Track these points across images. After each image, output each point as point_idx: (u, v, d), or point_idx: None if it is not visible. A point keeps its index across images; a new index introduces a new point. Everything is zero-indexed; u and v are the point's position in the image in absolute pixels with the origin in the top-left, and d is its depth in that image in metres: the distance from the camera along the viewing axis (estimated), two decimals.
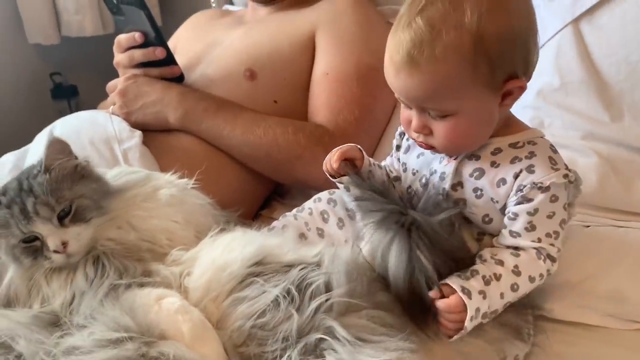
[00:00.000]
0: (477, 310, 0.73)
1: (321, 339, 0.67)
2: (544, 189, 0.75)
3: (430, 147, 0.81)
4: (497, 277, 0.75)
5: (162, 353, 0.67)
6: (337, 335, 0.66)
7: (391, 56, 0.75)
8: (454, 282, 0.74)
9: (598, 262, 0.91)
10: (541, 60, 1.01)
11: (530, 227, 0.76)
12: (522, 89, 0.76)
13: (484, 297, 0.73)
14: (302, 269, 0.74)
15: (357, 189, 0.85)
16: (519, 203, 0.76)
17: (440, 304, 0.73)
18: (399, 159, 0.95)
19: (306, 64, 1.27)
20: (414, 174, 0.89)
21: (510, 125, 0.82)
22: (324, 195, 1.01)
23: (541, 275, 0.77)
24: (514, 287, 0.75)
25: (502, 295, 0.75)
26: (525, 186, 0.76)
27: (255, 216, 1.26)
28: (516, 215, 0.77)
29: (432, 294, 0.74)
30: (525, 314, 0.82)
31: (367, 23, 1.29)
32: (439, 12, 0.71)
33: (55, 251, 0.81)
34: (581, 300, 0.87)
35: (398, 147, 0.94)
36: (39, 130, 1.24)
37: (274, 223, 1.01)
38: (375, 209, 0.79)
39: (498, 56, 0.71)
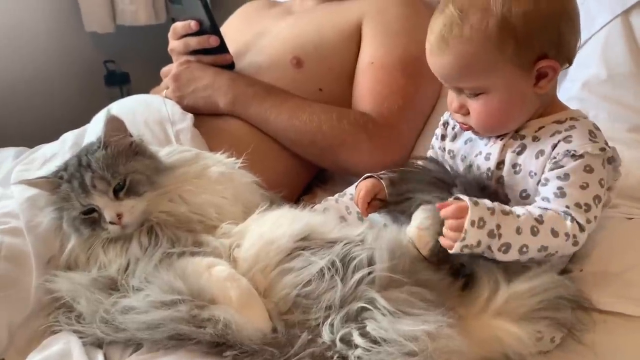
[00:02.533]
0: (482, 220, 0.73)
1: (363, 308, 0.70)
2: (576, 156, 0.77)
3: (469, 128, 0.87)
4: (518, 215, 0.76)
5: (213, 316, 0.71)
6: (378, 305, 0.69)
7: (428, 38, 0.84)
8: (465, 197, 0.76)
9: None
10: (587, 52, 1.02)
11: (560, 193, 0.77)
12: (555, 70, 0.79)
13: (493, 214, 0.74)
14: (346, 244, 0.78)
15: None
16: (551, 169, 0.79)
17: (443, 210, 0.76)
18: (443, 149, 0.97)
19: (352, 53, 1.29)
20: (462, 159, 0.92)
21: (555, 107, 0.85)
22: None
23: (567, 235, 0.76)
24: (533, 230, 0.75)
25: (518, 230, 0.75)
26: (559, 153, 0.78)
27: (296, 201, 1.30)
28: (547, 180, 0.79)
29: (438, 205, 0.77)
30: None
31: (414, 14, 1.31)
32: None
33: (111, 222, 0.86)
34: (621, 291, 0.86)
35: (443, 137, 0.97)
36: (92, 114, 1.31)
37: (316, 206, 1.05)
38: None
39: (525, 36, 0.76)
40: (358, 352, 0.66)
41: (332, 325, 0.70)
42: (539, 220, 0.76)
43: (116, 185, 0.87)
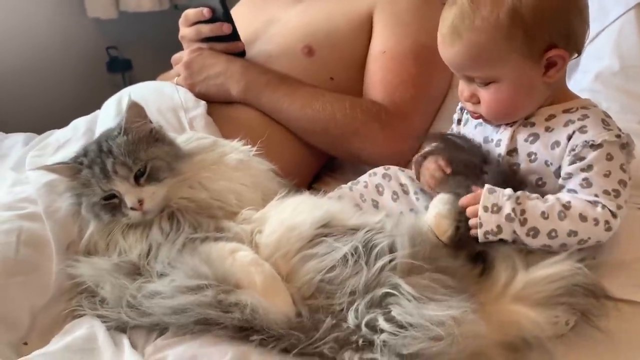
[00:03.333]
0: (495, 206, 0.78)
1: (387, 294, 0.71)
2: (596, 146, 0.79)
3: (480, 116, 0.89)
4: (545, 200, 0.79)
5: (240, 301, 0.72)
6: (402, 291, 0.71)
7: (440, 29, 0.86)
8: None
9: None
10: (601, 44, 1.03)
11: (586, 184, 0.79)
12: (564, 59, 0.81)
13: (516, 202, 0.78)
14: (367, 231, 0.79)
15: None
16: (572, 163, 0.80)
17: (462, 199, 0.81)
18: (459, 133, 0.98)
19: (363, 42, 1.30)
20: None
21: (565, 95, 0.87)
22: (379, 170, 1.05)
23: (596, 221, 0.77)
24: (560, 215, 0.77)
25: (544, 215, 0.77)
26: (577, 145, 0.80)
27: (307, 189, 1.30)
28: (570, 174, 0.81)
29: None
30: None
31: (424, 4, 1.31)
32: None
33: (132, 208, 0.87)
34: (634, 279, 0.88)
35: (459, 121, 0.99)
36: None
37: (330, 194, 1.06)
38: None
39: (534, 27, 0.79)
40: (384, 336, 0.68)
41: (356, 310, 0.71)
42: (567, 206, 0.78)
43: (137, 172, 0.88)
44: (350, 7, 1.32)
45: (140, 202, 0.87)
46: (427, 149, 0.97)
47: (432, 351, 0.66)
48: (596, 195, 0.79)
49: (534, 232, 0.78)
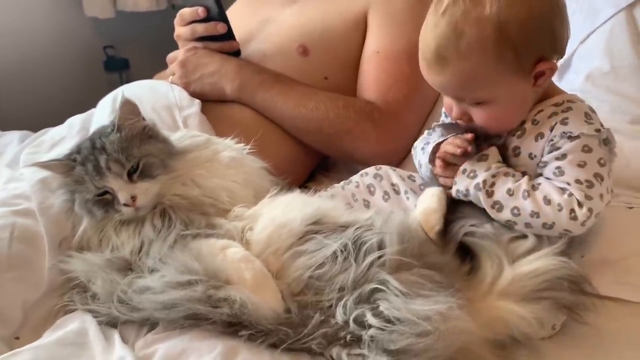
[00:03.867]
0: (473, 172, 0.82)
1: (375, 290, 0.72)
2: (573, 137, 0.79)
3: (474, 131, 0.87)
4: (515, 178, 0.81)
5: (229, 296, 0.73)
6: (390, 286, 0.71)
7: (423, 53, 0.83)
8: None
9: None
10: (591, 45, 1.04)
11: (559, 172, 0.80)
12: (552, 69, 0.81)
13: (491, 175, 0.81)
14: (357, 228, 0.80)
15: None
16: (549, 152, 0.81)
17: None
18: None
19: (357, 42, 1.30)
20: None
21: (552, 90, 0.88)
22: (370, 170, 1.06)
23: (560, 206, 0.78)
24: (524, 194, 0.79)
25: (509, 192, 0.80)
26: (555, 135, 0.81)
27: (300, 188, 1.31)
28: (546, 163, 0.82)
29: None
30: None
31: (418, 3, 1.31)
32: (460, 10, 0.77)
33: (125, 204, 0.88)
34: (621, 277, 0.89)
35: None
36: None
37: (322, 193, 1.06)
38: None
39: (522, 42, 0.77)
40: (371, 331, 0.68)
41: (345, 306, 0.72)
42: (534, 187, 0.80)
43: (130, 168, 0.89)
44: (345, 7, 1.33)
45: (133, 198, 0.88)
46: (434, 137, 0.94)
47: (419, 347, 0.66)
48: (567, 184, 0.79)
49: (499, 206, 0.81)
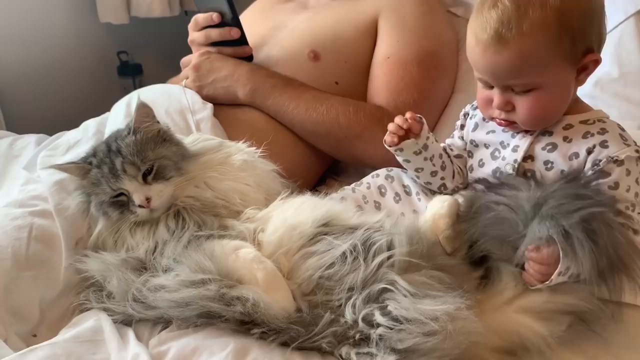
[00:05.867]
0: (568, 269, 0.74)
1: (384, 289, 0.73)
2: (619, 162, 0.80)
3: (511, 124, 0.87)
4: None
5: (242, 295, 0.74)
6: (399, 287, 0.73)
7: (477, 36, 0.82)
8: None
9: None
10: (602, 51, 1.04)
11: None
12: (597, 62, 0.82)
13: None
14: (366, 230, 0.81)
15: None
16: (602, 179, 0.81)
17: (534, 254, 0.75)
18: (462, 138, 1.00)
19: (368, 47, 1.32)
20: (486, 146, 0.95)
21: (578, 104, 0.88)
22: (382, 171, 1.08)
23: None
24: None
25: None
26: (601, 160, 0.81)
27: (310, 191, 1.33)
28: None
29: (530, 247, 0.75)
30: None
31: (429, 11, 1.34)
32: None
33: (140, 205, 0.90)
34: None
35: (462, 127, 1.01)
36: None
37: (333, 195, 1.08)
38: None
39: (579, 30, 0.79)
40: (380, 330, 0.70)
41: (354, 306, 0.73)
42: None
43: (145, 170, 0.91)
44: (356, 14, 1.35)
45: (148, 199, 0.89)
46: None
47: (427, 346, 0.67)
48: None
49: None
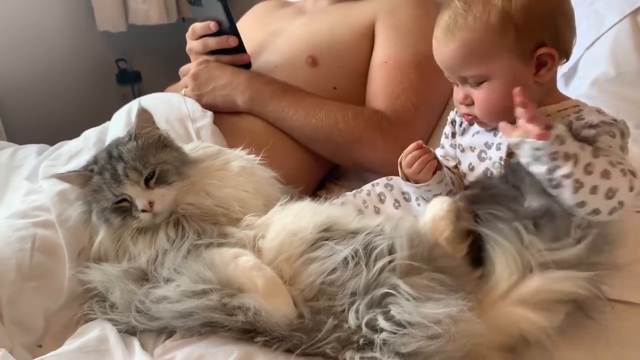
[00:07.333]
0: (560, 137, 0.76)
1: (386, 294, 0.73)
2: (594, 125, 0.81)
3: (474, 118, 0.91)
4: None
5: (243, 304, 0.75)
6: (401, 291, 0.73)
7: (435, 34, 0.90)
8: None
9: None
10: (597, 51, 1.05)
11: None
12: (554, 58, 0.85)
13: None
14: (367, 234, 0.81)
15: None
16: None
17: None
18: (453, 145, 1.01)
19: (365, 52, 1.33)
20: (472, 149, 0.97)
21: (555, 95, 0.90)
22: (381, 180, 1.09)
23: (624, 172, 0.77)
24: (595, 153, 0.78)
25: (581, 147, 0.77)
26: (576, 128, 0.82)
27: (311, 196, 1.33)
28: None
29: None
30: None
31: (425, 15, 1.34)
32: None
33: (143, 210, 0.90)
34: (629, 281, 0.89)
35: (453, 134, 1.02)
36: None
37: (333, 200, 1.08)
38: None
39: (524, 26, 0.83)
40: (383, 335, 0.70)
41: (357, 311, 0.73)
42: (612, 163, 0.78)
43: (147, 175, 0.91)
44: (353, 18, 1.36)
45: (151, 204, 0.90)
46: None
47: (430, 349, 0.68)
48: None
49: (591, 169, 0.76)
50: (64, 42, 2.17)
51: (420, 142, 0.97)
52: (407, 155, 0.97)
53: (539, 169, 0.78)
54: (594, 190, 0.77)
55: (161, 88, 1.60)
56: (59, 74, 2.17)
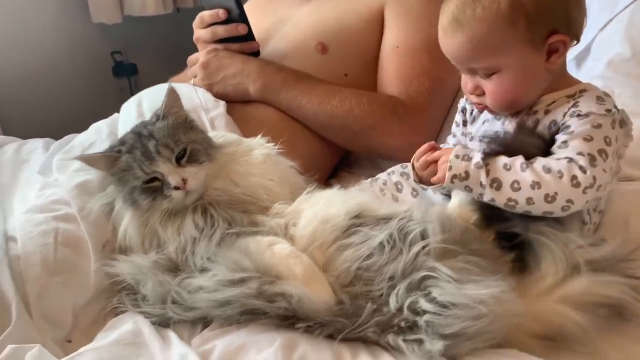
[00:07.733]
0: (467, 156, 0.81)
1: (425, 277, 0.73)
2: (582, 115, 0.81)
3: (485, 107, 0.90)
4: (523, 168, 0.79)
5: (284, 291, 0.74)
6: (440, 273, 0.73)
7: (440, 22, 0.87)
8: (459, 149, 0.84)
9: None
10: (611, 32, 1.05)
11: (563, 145, 0.80)
12: (565, 44, 0.83)
13: (484, 154, 0.81)
14: (400, 219, 0.81)
15: None
16: (559, 133, 0.82)
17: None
18: (464, 134, 1.01)
19: (375, 37, 1.32)
20: (480, 140, 0.95)
21: (566, 81, 0.89)
22: (396, 168, 1.08)
23: (560, 173, 0.77)
24: (522, 167, 0.79)
25: (506, 166, 0.80)
26: (566, 115, 0.82)
27: (324, 184, 1.33)
28: (555, 140, 0.82)
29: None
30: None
31: None
32: None
33: (176, 187, 0.89)
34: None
35: (464, 123, 1.01)
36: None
37: (352, 188, 1.08)
38: None
39: (535, 13, 0.80)
40: (426, 317, 0.70)
41: (397, 294, 0.73)
42: (531, 160, 0.80)
43: (178, 153, 0.90)
44: (361, 3, 1.35)
45: (184, 181, 0.89)
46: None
47: (473, 329, 0.68)
48: (569, 156, 0.78)
49: (497, 184, 0.79)
50: (58, 35, 2.13)
51: (432, 142, 0.94)
52: (420, 157, 0.92)
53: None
54: (529, 201, 0.79)
55: (158, 80, 1.56)
56: (54, 68, 2.13)
